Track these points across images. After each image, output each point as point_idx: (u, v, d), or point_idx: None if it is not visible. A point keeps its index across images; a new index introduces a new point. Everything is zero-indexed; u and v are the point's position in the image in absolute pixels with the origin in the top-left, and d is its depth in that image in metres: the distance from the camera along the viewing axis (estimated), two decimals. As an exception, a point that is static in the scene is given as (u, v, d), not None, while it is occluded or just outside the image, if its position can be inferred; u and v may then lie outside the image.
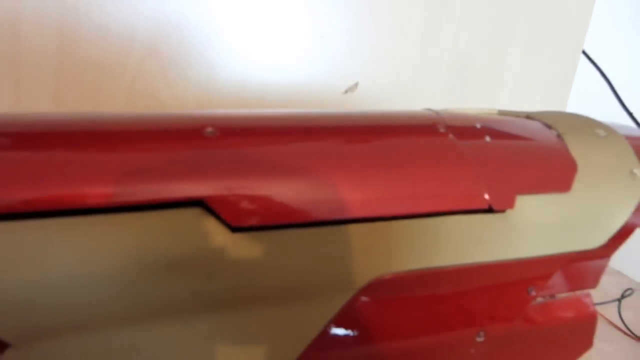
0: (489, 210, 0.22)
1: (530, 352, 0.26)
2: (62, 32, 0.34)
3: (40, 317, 0.16)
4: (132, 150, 0.18)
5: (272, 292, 0.19)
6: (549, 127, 0.27)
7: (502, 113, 0.29)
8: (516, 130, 0.26)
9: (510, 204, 0.23)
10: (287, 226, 0.19)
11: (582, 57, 0.55)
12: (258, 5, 0.39)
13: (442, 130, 0.23)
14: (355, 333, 0.21)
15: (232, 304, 0.19)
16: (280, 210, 0.19)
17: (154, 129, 0.19)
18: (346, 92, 0.44)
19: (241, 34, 0.39)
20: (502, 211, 0.23)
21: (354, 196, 0.20)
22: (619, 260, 0.50)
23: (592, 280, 0.27)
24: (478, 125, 0.25)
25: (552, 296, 0.26)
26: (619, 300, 0.51)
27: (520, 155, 0.24)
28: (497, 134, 0.25)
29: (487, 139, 0.24)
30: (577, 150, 0.25)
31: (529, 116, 0.28)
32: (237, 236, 0.18)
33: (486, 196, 0.22)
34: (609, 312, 0.48)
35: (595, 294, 0.28)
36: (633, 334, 0.46)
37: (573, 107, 0.55)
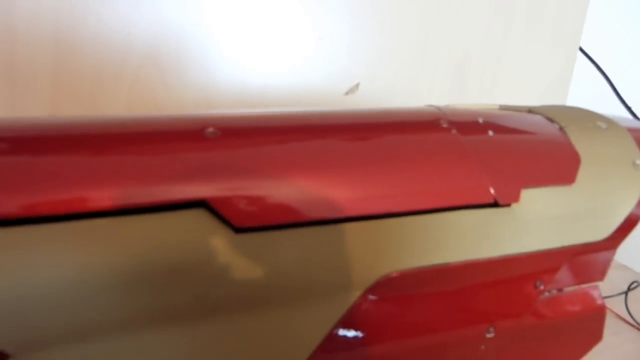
0: (495, 204, 0.22)
1: (539, 346, 0.26)
2: (58, 40, 0.34)
3: (41, 326, 0.16)
4: (132, 152, 0.18)
5: (277, 293, 0.19)
6: (551, 120, 0.27)
7: (503, 108, 0.29)
8: (519, 124, 0.26)
9: (515, 198, 0.22)
10: (292, 225, 0.19)
11: (579, 53, 0.55)
12: (255, 9, 0.39)
13: (445, 125, 0.23)
14: (364, 333, 0.21)
15: (237, 307, 0.19)
16: (284, 209, 0.18)
17: (153, 130, 0.19)
18: (347, 93, 0.43)
19: (239, 38, 0.39)
20: (508, 205, 0.22)
21: (358, 194, 0.20)
22: (624, 253, 0.50)
23: (600, 272, 0.26)
24: (480, 120, 0.24)
25: (560, 290, 0.26)
26: (626, 293, 0.50)
27: (523, 149, 0.24)
28: (500, 128, 0.24)
29: (490, 133, 0.24)
30: (579, 143, 0.25)
31: (530, 110, 0.28)
32: (241, 237, 0.18)
33: (491, 190, 0.22)
34: (616, 305, 0.48)
35: (602, 288, 0.27)
36: (640, 326, 0.46)
37: (572, 103, 0.55)
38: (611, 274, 0.27)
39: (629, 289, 0.52)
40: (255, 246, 0.18)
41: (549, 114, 0.27)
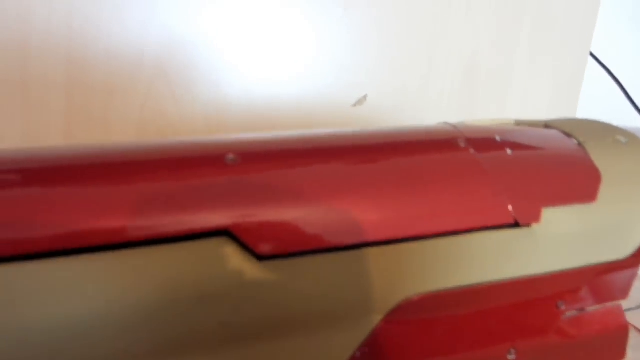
0: (515, 225, 0.22)
1: (562, 367, 0.25)
2: (71, 57, 0.34)
3: (72, 358, 0.16)
4: (153, 180, 0.18)
5: (300, 319, 0.19)
6: (569, 135, 0.26)
7: (519, 123, 0.29)
8: (536, 141, 0.25)
9: (536, 218, 0.22)
10: (314, 252, 0.19)
11: (590, 58, 0.55)
12: (261, 22, 0.39)
13: (462, 145, 0.23)
14: (385, 357, 0.21)
15: (261, 333, 0.19)
16: (306, 236, 0.18)
17: (173, 158, 0.19)
18: (355, 105, 0.43)
19: (246, 51, 0.39)
20: (529, 225, 0.22)
21: (379, 218, 0.19)
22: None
23: (622, 291, 0.26)
24: (498, 138, 0.24)
25: (582, 309, 0.25)
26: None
27: (543, 167, 0.24)
28: (518, 146, 0.24)
29: (509, 151, 0.23)
30: (599, 159, 0.25)
31: (547, 125, 0.28)
32: (264, 264, 0.18)
33: (512, 211, 0.22)
34: (636, 319, 0.48)
35: (622, 300, 0.27)
36: (659, 338, 0.45)
37: (583, 108, 0.55)
38: (630, 287, 0.27)
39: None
40: (277, 273, 0.18)
41: (566, 128, 0.27)
